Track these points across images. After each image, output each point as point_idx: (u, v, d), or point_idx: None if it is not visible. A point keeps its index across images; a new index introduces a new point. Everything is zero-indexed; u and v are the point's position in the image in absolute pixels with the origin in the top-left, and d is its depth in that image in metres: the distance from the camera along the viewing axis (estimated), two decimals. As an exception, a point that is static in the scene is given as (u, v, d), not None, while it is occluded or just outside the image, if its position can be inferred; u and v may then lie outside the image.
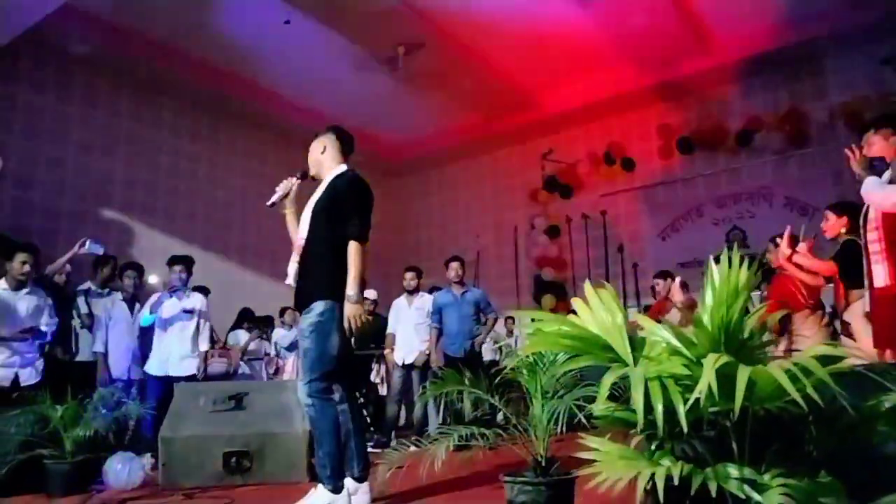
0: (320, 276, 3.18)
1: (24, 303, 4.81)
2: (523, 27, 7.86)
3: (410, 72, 8.56)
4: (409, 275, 6.47)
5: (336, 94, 9.46)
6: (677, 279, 6.37)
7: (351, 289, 3.08)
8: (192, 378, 5.32)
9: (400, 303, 6.50)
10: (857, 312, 3.82)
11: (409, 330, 6.29)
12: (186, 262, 5.61)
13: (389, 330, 6.47)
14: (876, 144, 3.39)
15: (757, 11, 7.70)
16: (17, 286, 4.79)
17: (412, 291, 6.44)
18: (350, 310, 3.08)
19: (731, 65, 8.54)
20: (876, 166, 3.30)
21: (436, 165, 11.82)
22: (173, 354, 5.40)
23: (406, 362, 6.23)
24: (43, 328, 4.88)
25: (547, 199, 10.52)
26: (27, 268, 4.76)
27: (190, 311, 5.49)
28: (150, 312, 5.46)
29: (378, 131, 10.90)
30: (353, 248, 3.12)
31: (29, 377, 4.78)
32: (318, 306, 3.11)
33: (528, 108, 9.94)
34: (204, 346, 5.57)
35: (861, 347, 3.55)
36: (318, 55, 8.39)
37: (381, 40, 8.10)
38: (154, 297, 5.53)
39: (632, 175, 9.87)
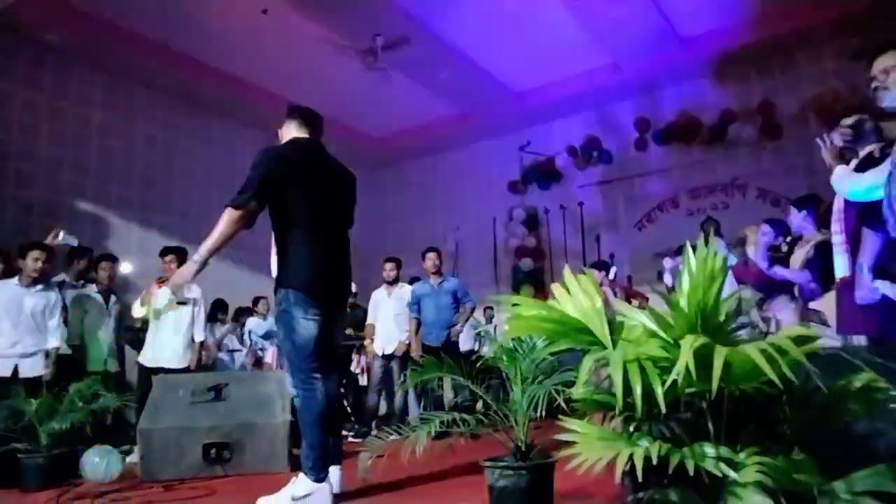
0: (277, 266, 3.12)
1: (32, 299, 4.88)
2: (501, 20, 7.86)
3: (389, 65, 8.53)
4: (388, 265, 6.47)
5: (315, 86, 9.36)
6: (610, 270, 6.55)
7: (199, 251, 2.98)
8: (185, 371, 5.28)
9: (379, 294, 6.50)
10: (828, 301, 3.92)
11: (389, 321, 6.29)
12: (179, 253, 5.55)
13: (369, 321, 6.46)
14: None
15: (730, 5, 7.79)
16: (30, 283, 4.88)
17: (392, 282, 6.45)
18: (182, 268, 3.03)
19: (705, 58, 8.63)
20: (847, 157, 3.37)
21: (415, 158, 11.80)
22: (167, 346, 5.35)
23: (386, 352, 6.23)
24: (52, 342, 4.94)
25: (525, 190, 10.57)
26: (40, 264, 4.85)
27: (183, 302, 5.43)
28: (141, 304, 5.44)
29: (357, 124, 10.85)
30: (224, 214, 2.98)
31: (31, 369, 4.79)
32: (277, 297, 3.07)
33: (506, 100, 9.96)
34: (199, 336, 5.53)
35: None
36: (297, 46, 8.32)
37: (359, 32, 8.05)
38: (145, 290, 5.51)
39: (608, 167, 9.96)
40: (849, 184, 3.02)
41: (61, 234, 5.36)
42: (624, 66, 8.94)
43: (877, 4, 7.01)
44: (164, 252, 5.62)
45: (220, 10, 7.59)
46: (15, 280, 4.89)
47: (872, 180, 2.78)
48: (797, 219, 4.41)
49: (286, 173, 3.04)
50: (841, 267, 3.40)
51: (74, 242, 5.61)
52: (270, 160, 3.05)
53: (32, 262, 4.83)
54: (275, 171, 3.02)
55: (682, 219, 9.28)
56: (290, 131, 3.30)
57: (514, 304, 1.82)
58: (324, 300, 3.08)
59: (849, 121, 2.90)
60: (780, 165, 8.63)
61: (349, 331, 6.90)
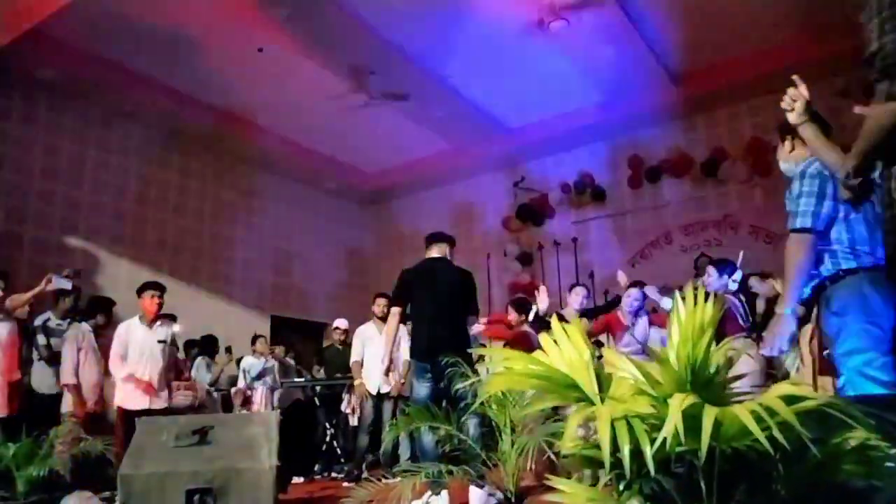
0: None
1: None
2: (493, 57, 7.94)
3: (383, 102, 8.60)
4: (380, 301, 6.37)
5: (309, 123, 9.46)
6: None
7: None
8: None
9: (369, 330, 6.37)
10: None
11: (380, 359, 6.19)
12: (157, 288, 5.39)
13: (355, 357, 6.28)
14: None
15: (720, 44, 7.90)
16: None
17: (383, 318, 6.36)
18: None
19: (697, 96, 8.73)
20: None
21: (409, 194, 11.82)
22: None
23: (382, 391, 6.12)
24: None
25: (519, 226, 10.59)
26: None
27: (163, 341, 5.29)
28: None
29: (351, 160, 10.89)
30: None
31: None
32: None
33: (499, 137, 10.03)
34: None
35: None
36: (291, 83, 8.37)
37: (354, 69, 8.12)
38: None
39: (602, 203, 9.99)
40: None
41: (54, 279, 5.27)
42: (616, 104, 9.02)
43: (863, 44, 7.10)
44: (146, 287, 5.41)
45: (216, 48, 7.65)
46: None
47: None
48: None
49: (404, 287, 4.87)
50: None
51: (68, 285, 5.54)
52: (399, 280, 4.91)
53: None
54: (399, 286, 4.89)
55: (676, 255, 9.27)
56: (428, 253, 4.98)
57: (503, 358, 1.78)
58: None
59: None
60: (772, 201, 8.65)
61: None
